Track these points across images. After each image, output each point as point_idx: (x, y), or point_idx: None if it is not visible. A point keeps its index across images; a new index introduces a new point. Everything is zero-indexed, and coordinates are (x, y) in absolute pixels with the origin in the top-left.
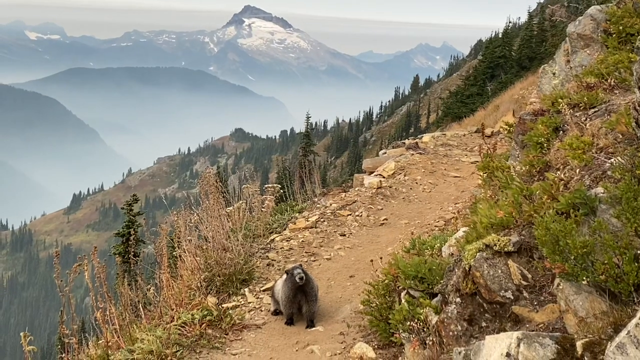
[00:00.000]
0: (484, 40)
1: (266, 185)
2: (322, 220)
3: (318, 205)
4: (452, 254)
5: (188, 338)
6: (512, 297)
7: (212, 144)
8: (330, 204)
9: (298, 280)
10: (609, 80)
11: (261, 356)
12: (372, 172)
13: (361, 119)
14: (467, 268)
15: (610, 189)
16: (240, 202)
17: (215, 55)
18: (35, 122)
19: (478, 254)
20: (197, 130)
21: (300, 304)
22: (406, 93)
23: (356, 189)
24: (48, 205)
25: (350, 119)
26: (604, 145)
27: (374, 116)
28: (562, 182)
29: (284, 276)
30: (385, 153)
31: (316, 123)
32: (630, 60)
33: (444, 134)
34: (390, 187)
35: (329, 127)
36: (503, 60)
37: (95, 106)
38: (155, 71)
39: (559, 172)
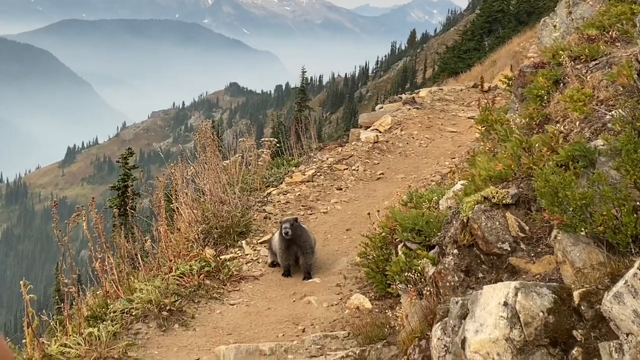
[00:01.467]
0: None
1: (262, 139)
2: (318, 174)
3: (314, 160)
4: (450, 206)
5: (186, 288)
6: (509, 249)
7: (206, 98)
8: (327, 158)
9: (284, 235)
10: (610, 33)
11: (259, 306)
12: (368, 127)
13: (357, 74)
14: (464, 220)
15: (610, 141)
16: (237, 155)
17: (209, 8)
18: (29, 74)
19: (476, 206)
20: (191, 84)
21: (297, 256)
22: (402, 48)
23: (352, 143)
24: (42, 158)
25: (345, 74)
26: (604, 97)
27: (370, 71)
28: (562, 134)
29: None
30: (382, 108)
31: (311, 78)
32: (632, 11)
33: (441, 89)
34: (386, 141)
35: (324, 82)
36: (501, 14)
37: (89, 58)
38: (149, 23)
39: (558, 125)
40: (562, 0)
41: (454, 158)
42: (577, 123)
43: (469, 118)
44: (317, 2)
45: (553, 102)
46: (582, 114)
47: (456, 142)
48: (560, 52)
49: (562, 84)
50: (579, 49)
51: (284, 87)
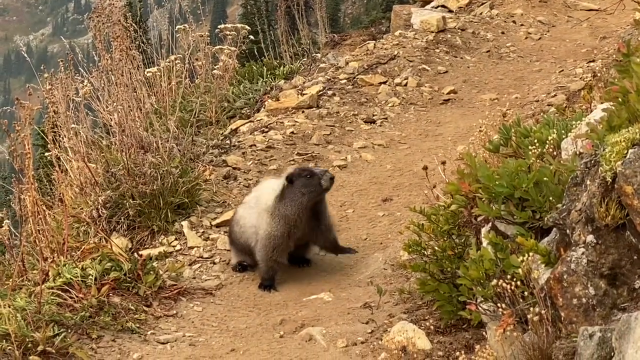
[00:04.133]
0: None
1: (222, 26)
2: (330, 92)
3: (323, 65)
4: (581, 153)
5: (76, 312)
6: None
7: None
8: (347, 63)
9: (325, 184)
10: None
11: (214, 348)
12: (428, 2)
13: None
14: (609, 178)
15: None
16: (174, 57)
17: None
18: None
19: (631, 151)
20: None
21: (303, 241)
22: None
23: (397, 33)
24: None
25: None
26: None
27: None
28: None
29: (274, 188)
30: None
31: None
32: None
33: None
34: (462, 29)
35: None
36: None
37: None
38: None
39: None
40: None
41: (592, 61)
42: None
43: None
44: None
45: None
46: None
47: (597, 30)
48: None
49: None
50: None
51: None
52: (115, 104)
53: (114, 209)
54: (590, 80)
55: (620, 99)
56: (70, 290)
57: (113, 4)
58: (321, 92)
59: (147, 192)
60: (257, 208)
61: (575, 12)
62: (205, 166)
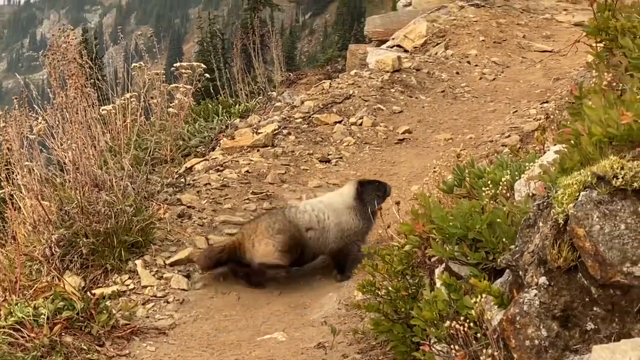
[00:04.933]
0: None
1: (178, 64)
2: (285, 131)
3: (278, 104)
4: (534, 194)
5: (28, 352)
6: None
7: None
8: (303, 102)
9: (389, 191)
10: None
11: None
12: (383, 42)
13: None
14: (561, 221)
15: None
16: (129, 95)
17: None
18: None
19: (583, 193)
20: None
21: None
22: None
23: (352, 73)
24: None
25: None
26: None
27: None
28: None
29: (342, 193)
30: (411, 5)
31: None
32: None
33: None
34: (417, 69)
35: None
36: None
37: None
38: None
39: None
40: None
41: (546, 102)
42: None
43: (575, 25)
44: None
45: None
46: None
47: (551, 72)
48: None
49: None
50: None
51: None
52: (69, 141)
53: (67, 247)
54: (544, 121)
55: (572, 142)
56: (22, 329)
57: (68, 42)
58: (276, 131)
59: (100, 230)
60: (332, 209)
61: (529, 53)
62: (160, 205)
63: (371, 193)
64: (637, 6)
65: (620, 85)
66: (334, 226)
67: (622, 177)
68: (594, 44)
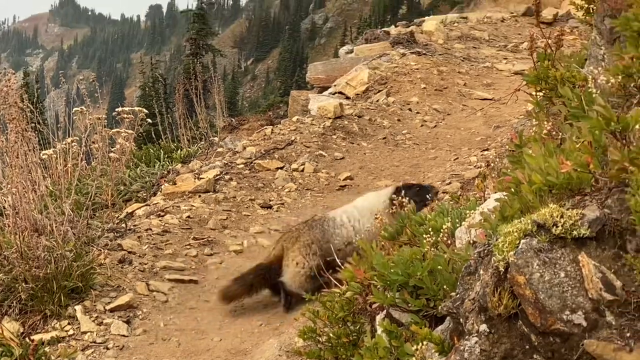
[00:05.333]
0: None
1: (120, 109)
2: (227, 177)
3: (220, 150)
4: (474, 242)
5: None
6: (584, 324)
7: (14, 28)
8: (245, 148)
9: (431, 197)
10: None
11: None
12: (325, 88)
13: None
14: (502, 268)
15: None
16: (70, 139)
17: None
18: None
19: (523, 241)
20: None
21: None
22: None
23: (294, 119)
24: None
25: None
26: None
27: None
28: None
29: (380, 194)
30: (352, 52)
31: None
32: None
33: (465, 18)
34: (359, 116)
35: (242, 1)
36: None
37: None
38: None
39: None
40: None
41: (486, 149)
42: None
43: (516, 74)
44: None
45: None
46: None
47: (492, 119)
48: None
49: None
50: None
51: (164, 10)
52: (9, 185)
53: (5, 292)
54: (484, 169)
55: (513, 190)
56: None
57: (9, 86)
58: (218, 177)
59: (40, 275)
60: (367, 214)
61: (470, 101)
62: (100, 250)
63: (410, 197)
64: (576, 56)
65: (560, 134)
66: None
67: (562, 226)
68: (534, 93)
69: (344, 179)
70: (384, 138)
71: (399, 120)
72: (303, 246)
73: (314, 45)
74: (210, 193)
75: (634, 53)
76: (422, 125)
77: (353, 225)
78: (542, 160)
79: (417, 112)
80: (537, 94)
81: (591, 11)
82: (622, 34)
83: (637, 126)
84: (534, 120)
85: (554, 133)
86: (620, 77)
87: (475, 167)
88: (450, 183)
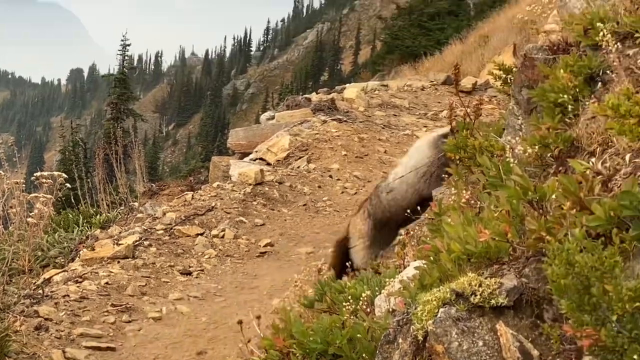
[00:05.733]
0: None
1: (39, 174)
2: (146, 243)
3: (140, 216)
4: (394, 310)
5: None
6: None
7: None
8: (165, 213)
9: None
10: None
11: None
12: (246, 154)
13: (228, 52)
14: (420, 337)
15: None
16: None
17: None
18: None
19: (442, 310)
20: None
21: None
22: (316, 5)
23: (215, 185)
24: None
25: (207, 50)
26: None
27: (254, 47)
28: (600, 177)
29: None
30: (274, 118)
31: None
32: None
33: (385, 86)
34: (280, 182)
35: (164, 66)
36: None
37: None
38: None
39: (593, 159)
40: None
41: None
42: (628, 157)
43: None
44: None
45: (584, 118)
46: (635, 140)
47: None
48: (599, 24)
49: (600, 84)
50: (633, 21)
51: (86, 74)
52: None
53: None
54: (404, 237)
55: (432, 258)
56: None
57: None
58: (137, 243)
59: None
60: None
61: (390, 168)
62: (16, 316)
63: None
64: (494, 125)
65: (479, 202)
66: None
67: (480, 294)
68: (453, 162)
69: (264, 246)
70: (304, 205)
71: (319, 186)
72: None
73: (235, 110)
74: (129, 259)
75: (551, 123)
76: (342, 192)
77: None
78: (460, 229)
79: (338, 179)
80: (456, 161)
81: (509, 81)
82: (539, 104)
83: (553, 196)
84: (453, 188)
85: (472, 202)
86: (537, 147)
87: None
88: None
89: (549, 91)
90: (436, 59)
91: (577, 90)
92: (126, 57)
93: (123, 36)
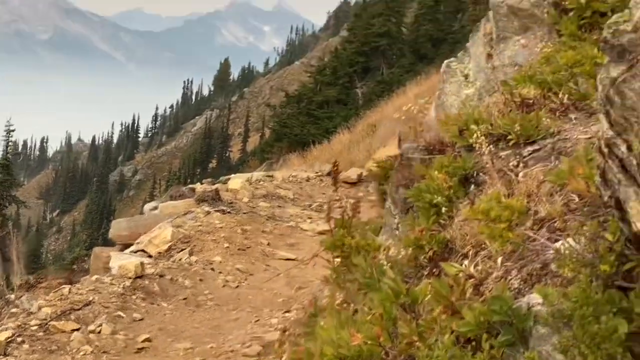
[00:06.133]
0: (351, 5)
1: None
2: (19, 339)
3: (14, 310)
4: None
5: None
6: None
7: None
8: (40, 308)
9: None
10: (559, 95)
11: None
12: (129, 245)
13: (116, 138)
14: None
15: (552, 298)
16: None
17: None
18: None
19: None
20: None
21: None
22: (205, 92)
23: (93, 278)
24: None
25: (94, 136)
26: (547, 214)
27: (142, 133)
28: (472, 281)
29: None
30: (157, 209)
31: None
32: (595, 61)
33: (271, 176)
34: (161, 275)
35: (50, 152)
36: (387, 41)
37: None
38: None
39: (466, 262)
40: (479, 31)
41: (287, 311)
42: (499, 260)
43: (320, 233)
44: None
45: (458, 219)
46: (505, 244)
47: (295, 280)
48: (473, 126)
49: (473, 185)
50: (506, 122)
51: None
52: None
53: None
54: (281, 335)
55: None
56: None
57: None
58: (10, 339)
59: None
60: None
61: (273, 261)
62: None
63: None
64: (372, 224)
65: (353, 304)
66: None
67: None
68: (332, 258)
69: (142, 341)
70: (185, 298)
71: (201, 280)
72: None
73: (122, 197)
74: (1, 357)
75: (425, 225)
76: (224, 286)
77: None
78: (334, 332)
79: (220, 272)
80: (334, 259)
81: (388, 177)
82: (415, 204)
83: (425, 299)
84: (330, 286)
85: (347, 302)
86: (411, 248)
87: (276, 329)
88: (250, 345)
89: (424, 191)
90: (324, 147)
91: (452, 191)
92: (10, 143)
93: (7, 122)
